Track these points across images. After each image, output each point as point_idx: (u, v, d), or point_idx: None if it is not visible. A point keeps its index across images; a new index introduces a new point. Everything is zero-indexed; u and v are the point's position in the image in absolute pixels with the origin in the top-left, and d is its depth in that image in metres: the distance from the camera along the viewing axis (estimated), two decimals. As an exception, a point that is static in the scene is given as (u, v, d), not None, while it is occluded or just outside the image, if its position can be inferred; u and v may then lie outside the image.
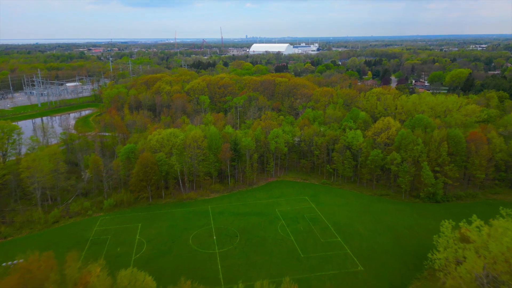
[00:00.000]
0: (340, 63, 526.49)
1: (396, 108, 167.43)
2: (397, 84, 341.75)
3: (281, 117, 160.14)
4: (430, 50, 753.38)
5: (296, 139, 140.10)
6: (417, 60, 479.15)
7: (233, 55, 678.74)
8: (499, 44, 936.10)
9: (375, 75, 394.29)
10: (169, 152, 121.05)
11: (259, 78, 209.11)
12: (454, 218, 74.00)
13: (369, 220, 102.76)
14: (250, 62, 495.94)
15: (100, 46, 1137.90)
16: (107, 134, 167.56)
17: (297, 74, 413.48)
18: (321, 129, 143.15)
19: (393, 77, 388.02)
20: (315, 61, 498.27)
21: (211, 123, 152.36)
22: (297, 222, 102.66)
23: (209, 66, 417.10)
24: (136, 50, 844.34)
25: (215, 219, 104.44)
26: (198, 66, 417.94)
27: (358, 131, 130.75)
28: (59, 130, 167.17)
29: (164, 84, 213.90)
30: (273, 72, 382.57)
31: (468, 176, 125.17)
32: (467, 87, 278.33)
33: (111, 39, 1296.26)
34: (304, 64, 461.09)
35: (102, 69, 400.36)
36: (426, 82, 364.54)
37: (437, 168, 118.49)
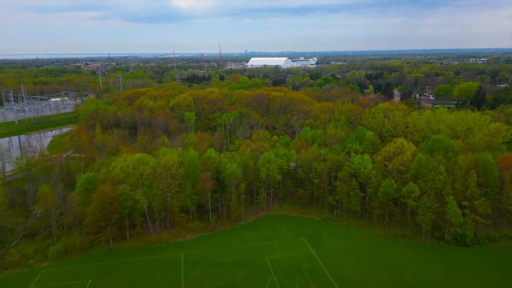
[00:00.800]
0: (339, 76, 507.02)
1: (406, 127, 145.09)
2: (400, 98, 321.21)
3: (275, 137, 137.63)
4: (431, 63, 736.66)
5: (292, 164, 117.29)
6: (419, 73, 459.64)
7: (230, 69, 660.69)
8: (499, 58, 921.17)
9: (377, 88, 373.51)
10: (136, 183, 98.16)
11: (252, 92, 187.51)
12: (490, 269, 51.02)
13: (384, 275, 79.13)
14: (247, 76, 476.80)
15: (98, 61, 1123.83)
16: (78, 155, 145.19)
17: (295, 88, 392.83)
18: (321, 152, 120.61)
19: (395, 91, 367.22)
20: (314, 75, 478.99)
21: (193, 145, 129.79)
22: (292, 276, 79.16)
23: (204, 80, 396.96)
24: (133, 64, 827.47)
25: (187, 273, 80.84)
26: (192, 80, 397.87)
27: (366, 156, 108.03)
28: (32, 150, 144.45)
29: (148, 99, 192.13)
30: (270, 86, 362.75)
31: (501, 212, 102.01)
32: (477, 101, 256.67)
33: (109, 54, 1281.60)
34: (303, 78, 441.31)
35: (92, 84, 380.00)
36: (431, 96, 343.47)
37: (464, 203, 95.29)
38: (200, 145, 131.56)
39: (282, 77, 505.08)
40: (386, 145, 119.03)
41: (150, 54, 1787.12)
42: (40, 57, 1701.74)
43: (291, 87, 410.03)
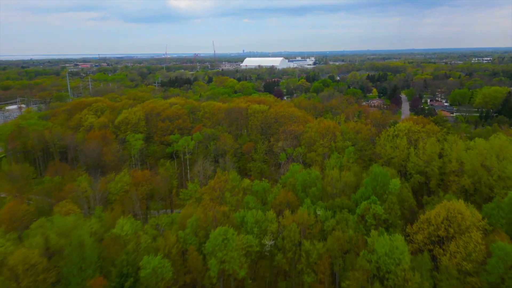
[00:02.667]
0: (339, 78, 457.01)
1: (443, 163, 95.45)
2: (411, 105, 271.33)
3: (247, 180, 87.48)
4: (434, 63, 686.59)
5: (269, 243, 67.50)
6: (427, 74, 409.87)
7: (222, 70, 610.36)
8: (504, 58, 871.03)
9: (382, 92, 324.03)
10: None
11: (226, 105, 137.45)
12: None
13: None
14: (239, 78, 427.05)
15: (90, 62, 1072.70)
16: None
17: (290, 92, 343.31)
18: (318, 213, 71.34)
19: (403, 95, 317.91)
20: (310, 77, 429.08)
21: (115, 196, 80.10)
22: None
23: (187, 83, 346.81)
24: (122, 65, 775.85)
25: None
26: (174, 83, 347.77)
27: (397, 237, 58.31)
28: None
29: (89, 114, 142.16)
30: (261, 91, 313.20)
31: None
32: (508, 110, 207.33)
33: (99, 55, 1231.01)
34: (299, 80, 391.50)
35: (60, 88, 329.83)
36: (445, 101, 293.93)
37: None
38: (130, 193, 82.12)
39: (277, 79, 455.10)
40: (425, 206, 69.68)
41: (147, 54, 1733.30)
42: (36, 57, 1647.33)
43: (285, 90, 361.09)
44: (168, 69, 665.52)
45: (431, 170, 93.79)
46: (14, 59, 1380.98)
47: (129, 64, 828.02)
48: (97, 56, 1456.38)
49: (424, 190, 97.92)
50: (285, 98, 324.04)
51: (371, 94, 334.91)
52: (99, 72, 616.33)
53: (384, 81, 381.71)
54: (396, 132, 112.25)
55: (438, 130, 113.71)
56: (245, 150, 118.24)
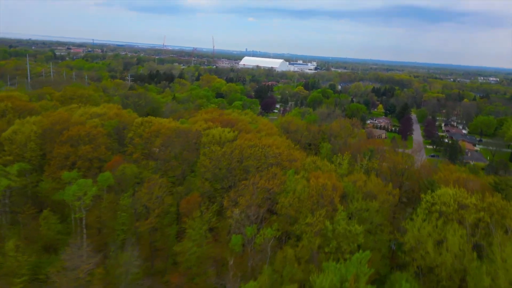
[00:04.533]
0: (340, 87, 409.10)
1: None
2: (425, 131, 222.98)
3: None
4: (441, 79, 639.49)
5: None
6: (437, 92, 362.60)
7: (216, 67, 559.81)
8: (510, 79, 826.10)
9: (389, 110, 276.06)
10: None
11: (174, 124, 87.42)
12: None
13: None
14: (230, 78, 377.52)
15: (86, 46, 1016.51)
16: None
17: (284, 100, 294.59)
18: None
19: (413, 114, 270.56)
20: (310, 84, 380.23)
21: None
22: None
23: (168, 79, 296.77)
24: (114, 53, 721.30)
25: None
26: (153, 78, 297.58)
27: None
28: None
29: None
30: (251, 97, 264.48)
31: None
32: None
33: (93, 40, 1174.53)
34: (296, 87, 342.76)
35: (22, 72, 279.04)
36: (463, 128, 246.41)
37: None
38: None
39: (273, 83, 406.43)
40: None
41: (147, 44, 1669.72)
42: (36, 38, 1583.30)
43: (280, 96, 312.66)
44: (161, 61, 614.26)
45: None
46: (13, 37, 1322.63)
47: (122, 53, 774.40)
48: (96, 41, 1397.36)
49: None
50: (277, 106, 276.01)
51: (376, 110, 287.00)
52: (87, 58, 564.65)
53: (390, 96, 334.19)
54: (437, 207, 64.08)
55: (506, 207, 65.25)
56: (184, 209, 69.37)
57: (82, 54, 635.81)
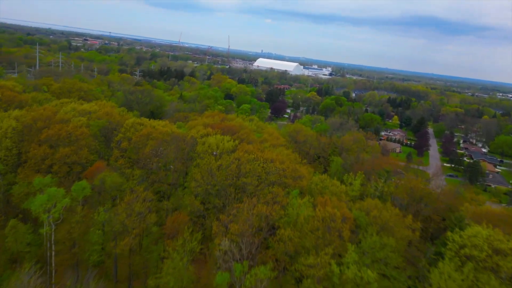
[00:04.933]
0: (354, 95, 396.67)
1: None
2: (443, 148, 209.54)
3: None
4: (459, 93, 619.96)
5: None
6: (455, 107, 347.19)
7: (229, 66, 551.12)
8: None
9: (405, 123, 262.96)
10: None
11: (166, 129, 77.60)
12: None
13: None
14: (242, 79, 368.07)
15: (103, 39, 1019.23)
16: None
17: (296, 105, 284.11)
18: None
19: (429, 128, 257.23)
20: (323, 89, 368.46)
21: None
22: None
23: (179, 76, 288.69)
24: (128, 47, 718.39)
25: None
26: (164, 74, 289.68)
27: None
28: None
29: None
30: (262, 100, 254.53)
31: None
32: None
33: (110, 32, 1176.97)
34: (308, 92, 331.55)
35: (31, 61, 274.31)
36: (482, 146, 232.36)
37: None
38: None
39: (285, 87, 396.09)
40: None
41: (165, 40, 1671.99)
42: (56, 28, 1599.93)
43: (291, 100, 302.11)
44: (175, 58, 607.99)
45: None
46: (33, 26, 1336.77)
47: (138, 47, 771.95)
48: (114, 35, 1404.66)
49: None
50: (288, 110, 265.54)
51: (391, 121, 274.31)
52: (101, 50, 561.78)
53: (406, 107, 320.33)
54: (467, 250, 53.22)
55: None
56: (169, 229, 59.63)
57: (98, 46, 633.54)
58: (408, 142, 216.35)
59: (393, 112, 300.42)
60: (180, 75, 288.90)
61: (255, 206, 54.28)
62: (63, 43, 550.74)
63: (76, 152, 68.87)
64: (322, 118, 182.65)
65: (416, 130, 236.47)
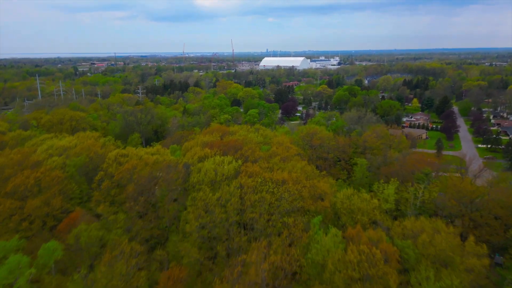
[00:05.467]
0: (367, 81, 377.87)
1: None
2: (471, 125, 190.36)
3: None
4: (476, 64, 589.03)
5: None
6: (477, 80, 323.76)
7: (235, 70, 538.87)
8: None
9: (426, 104, 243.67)
10: None
11: (151, 158, 65.04)
12: None
13: None
14: (249, 82, 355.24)
15: (109, 60, 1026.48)
16: None
17: (307, 101, 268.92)
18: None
19: (454, 107, 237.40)
20: (334, 81, 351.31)
21: None
22: None
23: (183, 88, 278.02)
24: (132, 64, 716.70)
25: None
26: (167, 88, 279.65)
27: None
28: None
29: None
30: (271, 101, 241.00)
31: None
32: None
33: (115, 53, 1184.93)
34: (319, 86, 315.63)
35: (34, 94, 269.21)
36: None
37: None
38: None
39: (294, 83, 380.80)
40: None
41: (170, 53, 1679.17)
42: (64, 55, 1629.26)
43: (302, 96, 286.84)
44: (180, 69, 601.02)
45: None
46: (42, 57, 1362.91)
47: (143, 64, 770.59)
48: (120, 54, 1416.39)
49: None
50: (299, 108, 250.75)
51: (410, 105, 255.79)
52: (106, 72, 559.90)
53: (424, 88, 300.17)
54: None
55: None
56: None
57: (103, 68, 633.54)
58: (434, 126, 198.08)
59: (411, 94, 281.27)
60: (184, 87, 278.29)
61: (266, 256, 40.72)
62: (70, 70, 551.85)
63: (47, 202, 57.02)
64: (337, 113, 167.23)
65: (440, 111, 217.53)
